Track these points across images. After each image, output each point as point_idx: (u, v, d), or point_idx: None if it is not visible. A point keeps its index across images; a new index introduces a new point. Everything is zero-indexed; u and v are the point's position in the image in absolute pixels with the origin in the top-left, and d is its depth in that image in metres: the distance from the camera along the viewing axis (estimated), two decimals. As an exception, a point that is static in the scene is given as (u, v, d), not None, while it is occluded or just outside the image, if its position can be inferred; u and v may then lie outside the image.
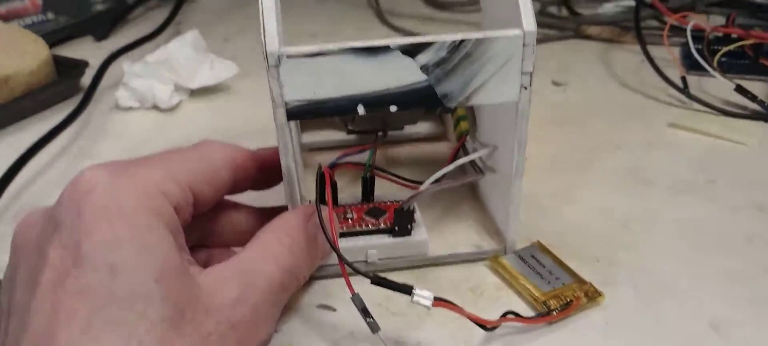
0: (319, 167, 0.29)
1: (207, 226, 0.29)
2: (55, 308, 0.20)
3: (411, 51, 0.26)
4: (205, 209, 0.27)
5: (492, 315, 0.26)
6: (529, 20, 0.26)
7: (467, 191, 0.36)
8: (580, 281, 0.29)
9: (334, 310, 0.29)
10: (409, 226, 0.31)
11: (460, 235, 0.33)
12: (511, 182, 0.30)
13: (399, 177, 0.33)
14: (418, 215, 0.32)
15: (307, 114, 0.26)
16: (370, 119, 0.38)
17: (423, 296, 0.25)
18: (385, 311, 0.29)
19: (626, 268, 0.31)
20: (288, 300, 0.27)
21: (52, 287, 0.21)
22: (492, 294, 0.30)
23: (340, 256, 0.26)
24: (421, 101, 0.27)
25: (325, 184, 0.28)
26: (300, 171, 0.31)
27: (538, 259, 0.31)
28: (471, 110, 0.37)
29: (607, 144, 0.42)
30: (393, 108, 0.27)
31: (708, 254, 0.32)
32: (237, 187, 0.29)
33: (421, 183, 0.31)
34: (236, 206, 0.31)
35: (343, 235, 0.31)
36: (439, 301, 0.25)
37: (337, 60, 0.26)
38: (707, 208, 0.36)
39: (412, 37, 0.26)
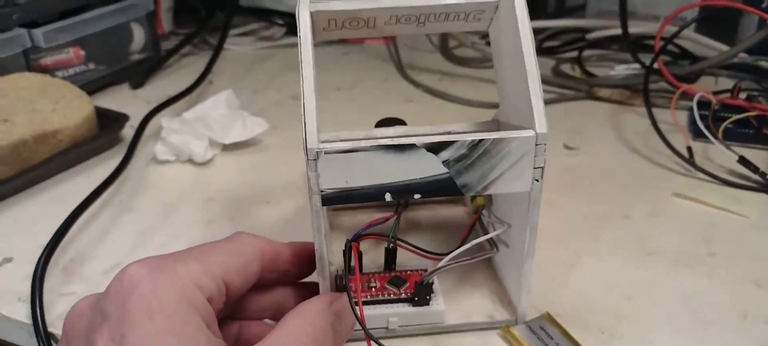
0: (347, 243, 0.32)
1: (240, 302, 0.32)
2: None
3: (435, 149, 0.29)
4: (237, 297, 0.29)
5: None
6: (541, 123, 0.29)
7: (482, 262, 0.38)
8: None
9: (359, 374, 0.32)
10: (427, 297, 0.34)
11: (475, 304, 0.36)
12: (523, 261, 0.32)
13: (419, 249, 0.36)
14: (436, 286, 0.35)
15: (339, 200, 0.29)
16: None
17: None
18: (405, 376, 0.31)
19: (629, 340, 0.34)
20: None
21: None
22: (502, 361, 0.32)
23: (367, 333, 0.28)
24: (442, 191, 0.30)
25: (352, 258, 0.31)
26: (328, 243, 0.33)
27: (547, 331, 0.33)
28: None
29: (615, 212, 0.45)
30: (417, 196, 0.30)
31: (705, 328, 0.34)
32: (266, 277, 0.31)
33: (440, 255, 0.33)
34: (265, 287, 0.33)
35: (365, 303, 0.34)
36: None
37: (368, 155, 0.29)
38: (707, 282, 0.38)
39: (435, 136, 0.29)
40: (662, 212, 0.45)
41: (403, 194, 0.30)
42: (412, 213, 0.45)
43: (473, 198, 0.40)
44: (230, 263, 0.28)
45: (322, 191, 0.29)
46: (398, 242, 0.35)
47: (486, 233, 0.38)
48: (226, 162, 0.53)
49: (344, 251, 0.32)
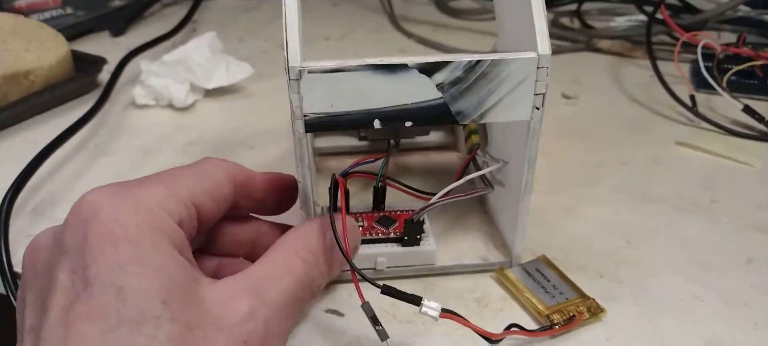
0: (333, 177, 0.30)
1: (214, 235, 0.30)
2: (67, 332, 0.21)
3: (428, 70, 0.27)
4: (210, 223, 0.27)
5: (496, 327, 0.27)
6: (544, 44, 0.27)
7: (476, 202, 0.36)
8: (584, 297, 0.30)
9: (342, 315, 0.30)
10: (418, 236, 0.32)
11: (468, 246, 0.34)
12: (520, 198, 0.30)
13: (410, 188, 0.34)
14: (427, 226, 0.33)
15: (324, 126, 0.27)
16: (382, 131, 0.39)
17: (431, 307, 0.26)
18: (391, 318, 0.30)
19: (628, 284, 0.32)
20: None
21: (63, 312, 0.21)
22: (497, 305, 0.31)
23: (352, 266, 0.26)
24: (436, 118, 0.27)
25: (338, 193, 0.29)
26: (313, 177, 0.31)
27: (543, 273, 0.31)
28: (483, 125, 0.38)
29: (614, 160, 0.43)
30: (408, 123, 0.28)
31: (709, 274, 0.33)
32: (240, 204, 0.29)
33: (431, 195, 0.31)
34: (242, 217, 0.31)
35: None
36: (446, 312, 0.26)
37: (356, 76, 0.26)
38: (710, 227, 0.36)
39: (429, 56, 0.27)
40: (663, 160, 0.43)
41: (394, 121, 0.27)
42: (404, 158, 0.43)
43: (468, 138, 0.38)
44: (199, 186, 0.26)
45: (305, 116, 0.27)
46: (387, 180, 0.33)
47: (483, 177, 0.36)
48: (209, 108, 0.51)
49: (330, 188, 0.30)
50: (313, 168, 0.31)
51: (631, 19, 0.64)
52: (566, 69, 0.57)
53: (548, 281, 0.31)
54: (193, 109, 0.50)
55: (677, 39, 0.53)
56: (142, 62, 0.51)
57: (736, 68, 0.50)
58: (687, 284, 0.32)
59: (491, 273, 0.32)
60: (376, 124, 0.27)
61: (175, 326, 0.21)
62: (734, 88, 0.50)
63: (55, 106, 0.50)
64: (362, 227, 0.32)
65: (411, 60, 0.26)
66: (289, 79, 0.26)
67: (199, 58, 0.51)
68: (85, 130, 0.46)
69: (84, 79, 0.52)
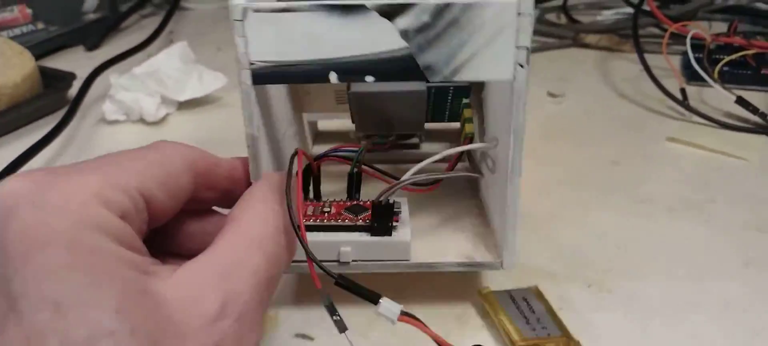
0: (295, 151, 0.27)
1: (171, 232, 0.25)
2: None
3: (389, 13, 0.23)
4: (165, 217, 0.23)
5: (464, 343, 0.25)
6: None
7: (470, 197, 0.33)
8: (567, 337, 0.27)
9: (312, 339, 0.28)
10: (389, 224, 0.28)
11: (453, 243, 0.30)
12: (508, 181, 0.26)
13: (386, 174, 0.31)
14: (405, 215, 0.29)
15: (274, 78, 0.24)
16: (375, 123, 0.35)
17: (389, 308, 0.22)
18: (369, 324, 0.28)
19: (619, 294, 0.30)
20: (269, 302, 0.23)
21: None
22: (473, 321, 0.29)
23: (305, 248, 0.23)
24: (402, 72, 0.24)
25: (294, 164, 0.26)
26: (264, 146, 0.28)
27: (530, 303, 0.28)
28: (479, 111, 0.35)
29: (604, 159, 0.41)
30: (369, 79, 0.24)
31: (705, 279, 0.31)
32: (201, 196, 0.25)
33: (416, 186, 0.29)
34: (206, 211, 0.26)
35: (316, 228, 0.28)
36: (405, 316, 0.22)
37: (308, 18, 0.24)
38: (706, 229, 0.34)
39: None
40: (655, 158, 0.41)
41: (352, 74, 0.24)
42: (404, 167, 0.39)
43: (462, 128, 0.34)
44: (148, 173, 0.22)
45: (251, 64, 0.24)
46: (365, 167, 0.30)
47: (476, 166, 0.33)
48: (181, 121, 0.49)
49: (290, 161, 0.26)
50: (263, 131, 0.27)
51: (618, 12, 0.62)
52: (552, 66, 0.55)
53: (533, 312, 0.28)
54: (165, 122, 0.48)
55: (666, 30, 0.51)
56: (111, 76, 0.49)
57: (727, 58, 0.48)
58: (681, 291, 0.30)
59: (477, 287, 0.30)
60: (333, 77, 0.24)
61: (135, 339, 0.17)
62: (726, 79, 0.48)
63: (23, 125, 0.48)
64: (328, 213, 0.29)
65: (371, 1, 0.24)
66: (233, 20, 0.24)
67: (171, 70, 0.49)
68: (54, 149, 0.44)
69: (52, 96, 0.50)
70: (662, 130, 0.44)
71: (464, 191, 0.34)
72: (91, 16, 0.65)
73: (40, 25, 0.60)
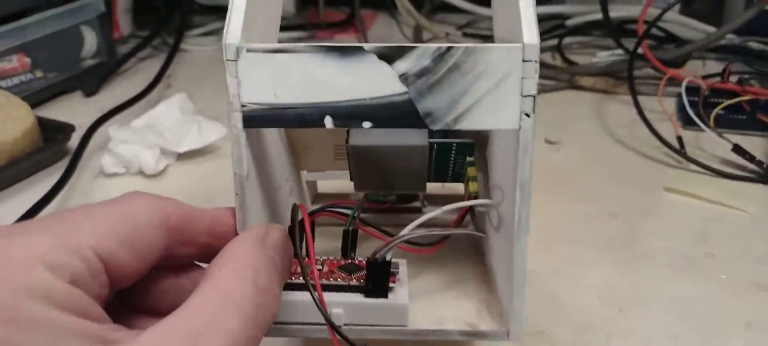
0: (294, 206, 0.26)
1: (145, 290, 0.23)
2: None
3: (388, 56, 0.23)
4: (131, 278, 0.21)
5: None
6: (531, 33, 0.23)
7: (475, 259, 0.32)
8: None
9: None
10: (386, 285, 0.26)
11: (456, 310, 0.29)
12: (514, 240, 0.25)
13: (383, 232, 0.30)
14: (403, 276, 0.28)
15: (267, 121, 0.24)
16: (374, 179, 0.34)
17: None
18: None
19: (622, 359, 0.30)
20: None
21: None
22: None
23: (323, 313, 0.22)
24: (401, 119, 0.23)
25: (299, 218, 0.25)
26: (256, 194, 0.26)
27: None
28: (484, 169, 0.34)
29: (601, 212, 0.41)
30: (367, 124, 0.24)
31: (706, 341, 0.31)
32: (177, 252, 0.23)
33: (416, 245, 0.28)
34: (185, 266, 0.24)
35: (304, 287, 0.26)
36: None
37: (304, 59, 0.23)
38: (706, 287, 0.34)
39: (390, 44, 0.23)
40: (653, 210, 0.41)
41: (349, 120, 0.23)
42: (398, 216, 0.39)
43: (466, 187, 0.33)
44: (107, 230, 0.20)
45: (243, 106, 0.23)
46: (361, 225, 0.29)
47: (480, 225, 0.31)
48: (181, 172, 0.49)
49: (292, 215, 0.26)
50: (252, 171, 0.26)
51: (613, 54, 0.63)
52: (549, 110, 0.56)
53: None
54: (164, 174, 0.48)
55: (661, 72, 0.51)
56: (110, 129, 0.49)
57: (722, 105, 0.49)
58: (684, 354, 0.30)
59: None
60: (328, 122, 0.23)
61: None
62: (722, 124, 0.49)
63: (22, 179, 0.48)
64: (321, 271, 0.27)
65: (369, 45, 0.23)
66: (226, 60, 0.23)
67: (169, 122, 0.49)
68: (54, 203, 0.44)
69: (52, 149, 0.50)
70: (660, 180, 0.44)
71: (468, 252, 0.33)
72: (90, 62, 0.65)
73: (39, 73, 0.61)
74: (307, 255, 0.26)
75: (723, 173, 0.44)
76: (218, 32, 0.77)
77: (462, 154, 0.34)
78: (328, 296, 0.26)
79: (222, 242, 0.23)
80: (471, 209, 0.31)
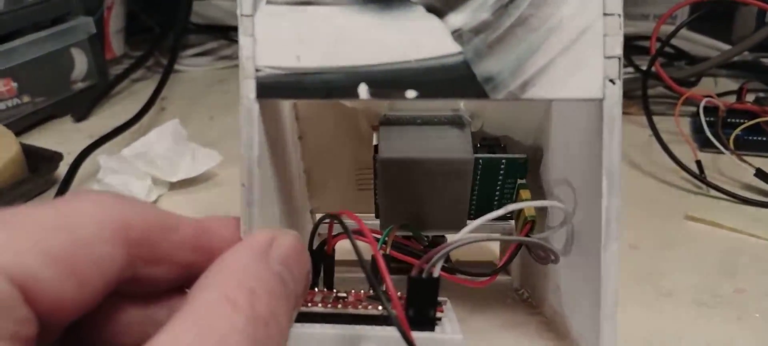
0: (322, 218, 0.22)
1: (103, 326, 0.18)
2: None
3: (439, 8, 0.19)
4: (74, 311, 0.15)
5: None
6: None
7: (537, 319, 0.28)
8: None
9: None
10: (432, 312, 0.21)
11: None
12: (603, 248, 0.20)
13: (429, 246, 0.25)
14: (449, 310, 0.22)
15: (286, 90, 0.19)
16: (404, 208, 0.28)
17: None
18: None
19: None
20: None
21: None
22: None
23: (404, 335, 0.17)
24: (453, 86, 0.19)
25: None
26: (271, 187, 0.22)
27: None
28: (536, 181, 0.29)
29: (623, 244, 0.39)
30: (411, 94, 0.19)
31: (745, 390, 0.28)
32: (144, 274, 0.17)
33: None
34: (157, 294, 0.18)
35: (326, 317, 0.22)
36: None
37: (334, 13, 0.19)
38: (737, 326, 0.32)
39: None
40: (675, 241, 0.39)
41: (389, 88, 0.19)
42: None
43: (519, 213, 0.27)
44: (31, 245, 0.15)
45: (258, 71, 0.19)
46: (394, 252, 0.24)
47: (538, 257, 0.26)
48: (174, 202, 0.46)
49: (315, 227, 0.22)
50: (266, 153, 0.21)
51: (626, 72, 0.61)
52: (559, 132, 0.54)
53: None
54: (156, 205, 0.46)
55: (674, 90, 0.49)
56: (100, 158, 0.47)
57: (741, 126, 0.46)
58: (721, 405, 0.28)
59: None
60: (363, 91, 0.19)
61: None
62: (740, 145, 0.46)
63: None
64: (344, 300, 0.22)
65: None
66: (241, 15, 0.19)
67: (162, 150, 0.47)
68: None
69: (39, 179, 0.47)
70: (680, 207, 0.42)
71: (515, 300, 0.30)
72: (80, 85, 0.63)
73: (26, 98, 0.58)
74: (377, 275, 0.20)
75: (746, 200, 0.42)
76: (214, 52, 0.75)
77: (512, 175, 0.28)
78: (356, 329, 0.21)
79: (212, 259, 0.17)
80: (522, 244, 0.27)
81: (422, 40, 0.19)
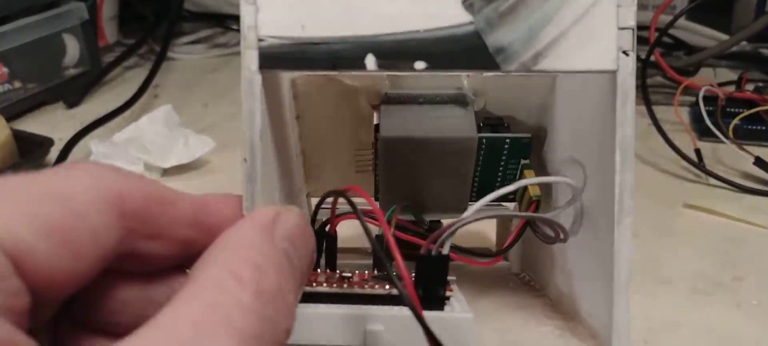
0: (326, 194, 0.21)
1: (98, 303, 0.17)
2: None
3: None
4: (69, 285, 0.15)
5: None
6: None
7: (542, 300, 0.27)
8: None
9: None
10: (441, 292, 0.21)
11: (529, 334, 0.24)
12: (616, 224, 0.20)
13: (427, 231, 0.25)
14: (457, 291, 0.22)
15: (289, 60, 0.19)
16: (405, 189, 0.27)
17: None
18: None
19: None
20: None
21: None
22: None
23: (424, 326, 0.16)
24: (463, 57, 0.19)
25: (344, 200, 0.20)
26: (272, 163, 0.21)
27: None
28: (541, 160, 0.28)
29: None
30: (419, 65, 0.19)
31: (744, 378, 0.28)
32: (142, 249, 0.17)
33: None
34: (157, 271, 0.18)
35: (331, 297, 0.22)
36: None
37: None
38: (737, 313, 0.32)
39: None
40: (674, 229, 0.39)
41: (397, 59, 0.19)
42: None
43: (522, 195, 0.27)
44: (24, 213, 0.14)
45: (260, 41, 0.19)
46: (399, 232, 0.24)
47: (545, 237, 0.25)
48: (167, 189, 0.46)
49: (317, 204, 0.22)
50: (266, 130, 0.21)
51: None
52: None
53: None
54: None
55: (673, 79, 0.49)
56: (92, 143, 0.46)
57: (741, 114, 0.46)
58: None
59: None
60: (370, 62, 0.19)
61: None
62: (740, 135, 0.46)
63: (-4, 197, 0.45)
64: (350, 281, 0.22)
65: None
66: None
67: (154, 135, 0.46)
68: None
69: (30, 164, 0.47)
70: (678, 195, 0.41)
71: (517, 283, 0.29)
72: (72, 72, 0.62)
73: (18, 84, 0.57)
74: (384, 248, 0.19)
75: (745, 188, 0.42)
76: (208, 40, 0.74)
77: (516, 155, 0.27)
78: (363, 309, 0.21)
79: (212, 236, 0.16)
80: (528, 222, 0.26)
81: (432, 9, 0.18)
